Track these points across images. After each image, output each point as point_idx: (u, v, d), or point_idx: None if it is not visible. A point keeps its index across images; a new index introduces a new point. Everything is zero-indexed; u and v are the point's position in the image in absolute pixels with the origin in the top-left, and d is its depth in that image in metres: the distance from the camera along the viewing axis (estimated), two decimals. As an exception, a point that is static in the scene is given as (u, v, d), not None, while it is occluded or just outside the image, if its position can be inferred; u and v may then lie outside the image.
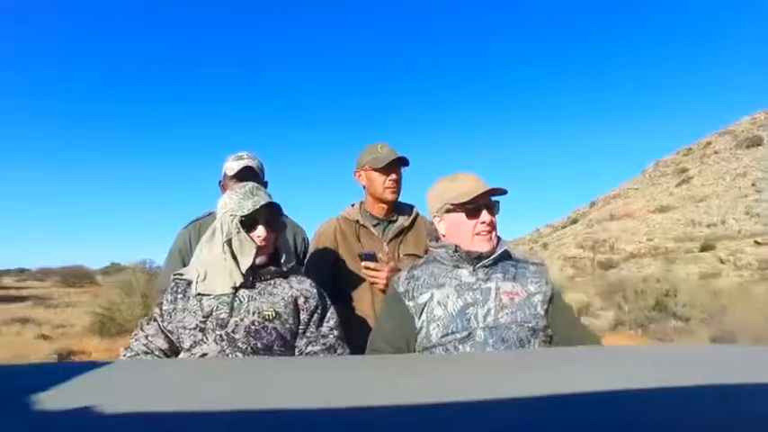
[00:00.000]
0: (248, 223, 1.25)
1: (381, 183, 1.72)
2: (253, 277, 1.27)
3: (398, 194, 1.77)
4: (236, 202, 1.27)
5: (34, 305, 14.34)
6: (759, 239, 23.80)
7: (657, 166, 52.42)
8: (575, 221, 50.81)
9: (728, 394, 0.64)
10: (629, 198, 48.23)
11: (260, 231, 1.25)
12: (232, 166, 1.85)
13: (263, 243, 1.26)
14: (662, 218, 37.91)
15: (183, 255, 1.82)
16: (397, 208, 1.83)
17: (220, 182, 1.94)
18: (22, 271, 43.21)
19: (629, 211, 43.05)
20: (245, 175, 1.80)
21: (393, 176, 1.71)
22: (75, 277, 28.73)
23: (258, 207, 1.24)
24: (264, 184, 1.91)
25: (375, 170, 1.72)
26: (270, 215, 1.28)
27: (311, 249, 1.85)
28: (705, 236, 28.13)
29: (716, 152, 45.45)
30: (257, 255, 1.25)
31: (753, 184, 35.79)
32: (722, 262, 18.41)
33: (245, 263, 1.23)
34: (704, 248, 24.22)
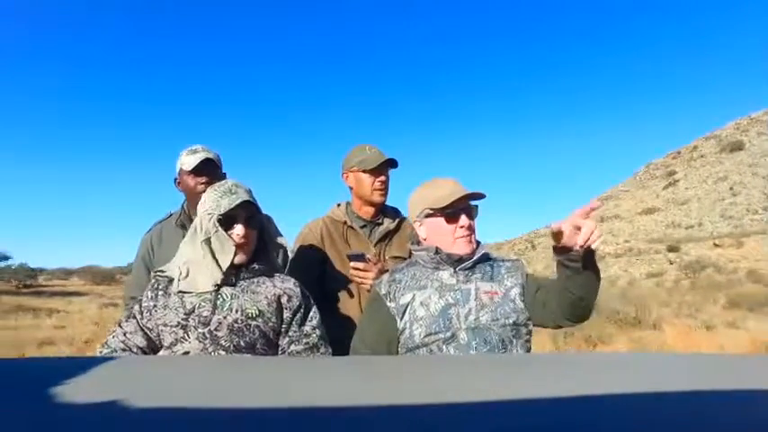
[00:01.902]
0: (227, 222, 1.27)
1: (370, 184, 1.75)
2: (235, 275, 1.29)
3: (386, 196, 1.80)
4: (213, 200, 1.29)
5: (94, 297, 17.58)
6: (716, 242, 27.06)
7: (648, 169, 55.32)
8: (569, 222, 53.54)
9: (698, 402, 0.65)
10: (620, 199, 51.10)
11: (238, 230, 1.27)
12: (188, 160, 1.75)
13: (242, 241, 1.28)
14: (647, 219, 40.80)
15: (145, 261, 1.76)
16: (383, 211, 1.85)
17: (176, 179, 1.84)
18: (41, 270, 46.21)
19: (617, 212, 46.09)
20: (205, 168, 1.74)
21: (382, 178, 1.75)
22: (102, 277, 32.29)
23: (235, 205, 1.26)
24: (222, 176, 1.83)
25: (364, 172, 1.75)
26: (249, 213, 1.30)
27: (295, 248, 1.84)
28: (678, 238, 31.13)
29: (702, 156, 48.33)
30: (237, 253, 1.27)
31: (730, 188, 38.77)
32: (671, 263, 21.71)
33: (225, 261, 1.26)
34: (671, 249, 27.16)
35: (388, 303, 1.32)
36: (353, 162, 1.77)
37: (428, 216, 1.36)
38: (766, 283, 12.48)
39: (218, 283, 1.25)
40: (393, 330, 1.30)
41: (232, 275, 1.28)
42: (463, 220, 1.32)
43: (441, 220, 1.33)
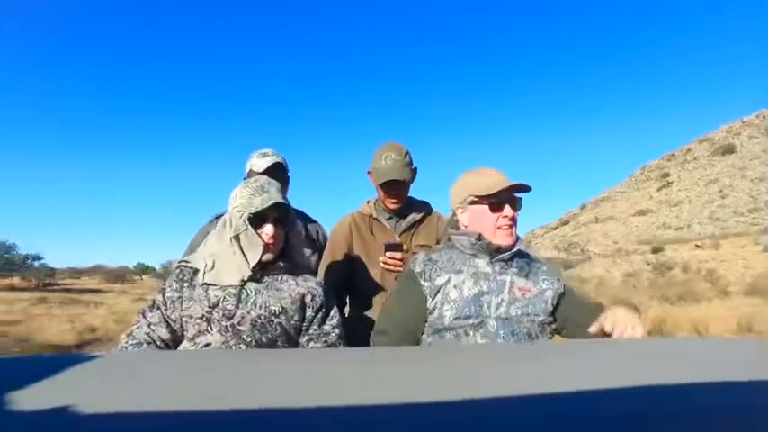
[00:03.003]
0: (257, 220, 1.30)
1: (383, 194, 1.84)
2: (261, 272, 1.31)
3: (401, 203, 1.86)
4: (246, 197, 1.31)
5: (120, 294, 19.46)
6: (698, 243, 28.83)
7: (643, 171, 56.88)
8: (566, 223, 55.11)
9: (727, 388, 0.66)
10: (616, 201, 52.72)
11: (268, 229, 1.30)
12: (259, 163, 1.89)
13: (271, 241, 1.30)
14: (640, 221, 42.35)
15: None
16: (410, 203, 1.92)
17: (245, 180, 1.83)
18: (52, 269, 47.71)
19: (612, 213, 47.73)
20: (275, 172, 1.84)
21: (392, 192, 1.82)
22: (115, 276, 34.32)
23: (267, 206, 1.28)
24: (287, 179, 1.97)
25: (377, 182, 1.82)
26: (279, 212, 1.33)
27: (329, 244, 1.95)
28: (666, 239, 32.72)
29: (695, 159, 49.84)
30: (265, 252, 1.30)
31: (720, 191, 40.38)
32: (648, 263, 23.55)
33: (253, 259, 1.28)
34: (655, 251, 28.75)
35: (423, 282, 1.33)
36: (373, 167, 1.86)
37: (472, 203, 1.37)
38: (713, 280, 14.38)
39: (245, 278, 1.29)
40: (423, 309, 1.32)
41: (258, 272, 1.31)
42: (507, 210, 1.33)
43: (485, 209, 1.35)
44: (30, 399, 0.62)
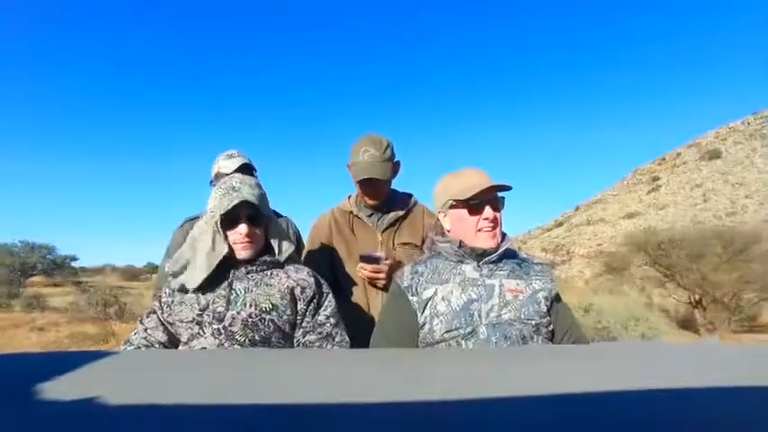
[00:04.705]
0: (231, 221, 1.32)
1: (360, 189, 1.81)
2: (247, 269, 1.34)
3: (380, 198, 1.82)
4: (217, 199, 1.34)
5: (148, 288, 22.40)
6: (670, 246, 31.57)
7: (635, 174, 59.18)
8: (560, 224, 57.45)
9: (727, 393, 0.67)
10: (608, 203, 55.05)
11: (241, 229, 1.32)
12: (227, 164, 1.93)
13: (245, 240, 1.32)
14: (628, 223, 44.71)
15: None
16: (393, 197, 1.88)
17: (212, 182, 1.99)
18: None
19: (603, 215, 50.20)
20: (243, 173, 1.85)
21: (370, 190, 1.79)
22: (131, 274, 37.42)
23: (235, 204, 1.30)
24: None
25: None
26: (251, 210, 1.34)
27: (308, 241, 1.95)
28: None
29: (684, 163, 52.04)
30: (243, 250, 1.33)
31: (703, 195, 42.80)
32: (618, 264, 26.41)
33: (216, 258, 1.31)
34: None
35: (410, 297, 1.34)
36: (351, 161, 1.82)
37: (452, 207, 1.38)
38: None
39: (201, 281, 1.30)
40: (414, 324, 1.33)
41: (235, 272, 1.34)
42: (487, 212, 1.32)
43: (464, 212, 1.35)
44: (49, 392, 0.67)
